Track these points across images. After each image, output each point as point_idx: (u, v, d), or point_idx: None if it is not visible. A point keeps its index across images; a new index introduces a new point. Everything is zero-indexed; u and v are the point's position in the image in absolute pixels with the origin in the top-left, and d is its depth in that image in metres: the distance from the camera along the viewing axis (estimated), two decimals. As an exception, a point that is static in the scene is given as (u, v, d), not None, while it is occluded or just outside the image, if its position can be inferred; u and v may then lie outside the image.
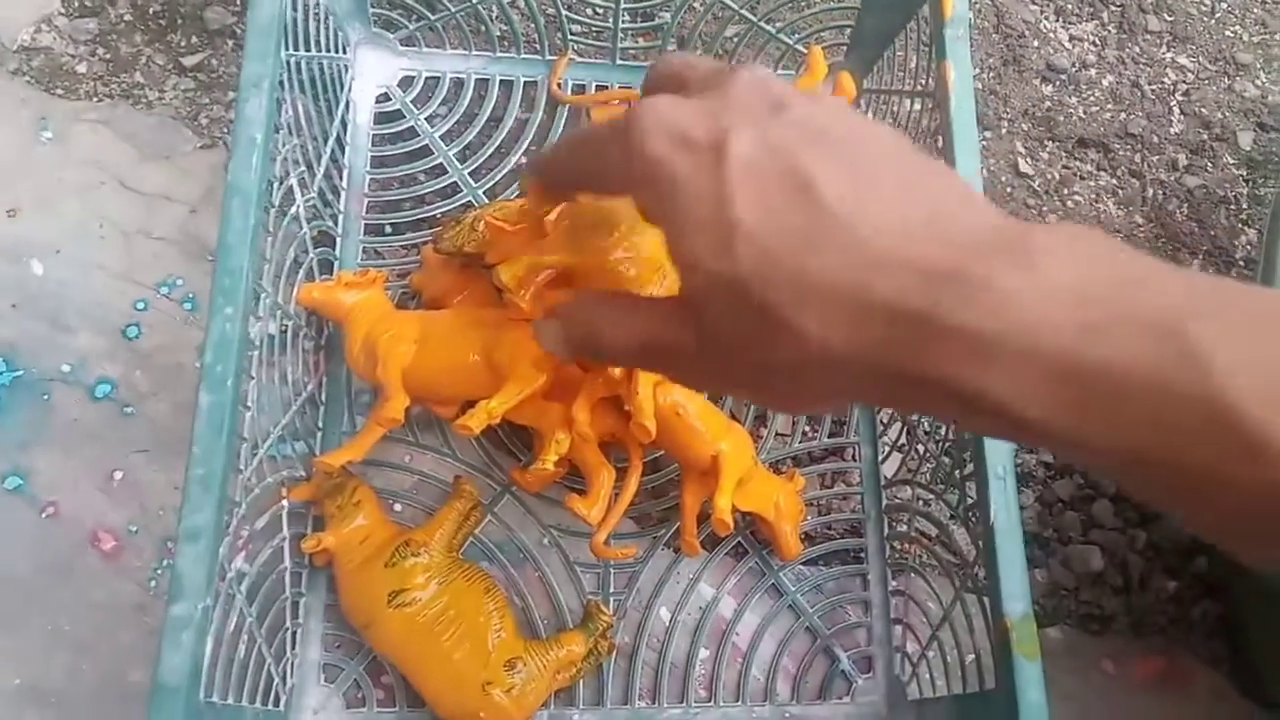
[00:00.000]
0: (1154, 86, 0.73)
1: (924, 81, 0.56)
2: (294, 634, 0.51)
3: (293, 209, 0.52)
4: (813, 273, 0.24)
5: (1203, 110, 0.73)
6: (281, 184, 0.50)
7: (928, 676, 0.53)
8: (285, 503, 0.50)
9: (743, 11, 0.63)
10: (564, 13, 0.63)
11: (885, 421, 0.60)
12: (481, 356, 0.49)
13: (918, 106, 0.56)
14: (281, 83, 0.51)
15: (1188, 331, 0.21)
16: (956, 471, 0.50)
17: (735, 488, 0.50)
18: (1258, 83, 0.74)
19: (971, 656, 0.49)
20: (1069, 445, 0.23)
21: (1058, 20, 0.74)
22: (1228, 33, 0.75)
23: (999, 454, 0.47)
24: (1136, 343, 0.21)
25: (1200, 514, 0.23)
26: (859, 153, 0.26)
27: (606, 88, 0.64)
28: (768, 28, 0.64)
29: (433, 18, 0.63)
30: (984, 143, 0.69)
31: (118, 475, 0.55)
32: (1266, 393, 0.20)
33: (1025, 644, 0.46)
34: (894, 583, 0.57)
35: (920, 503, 0.56)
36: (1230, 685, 0.59)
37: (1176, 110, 0.73)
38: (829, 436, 0.60)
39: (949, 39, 0.54)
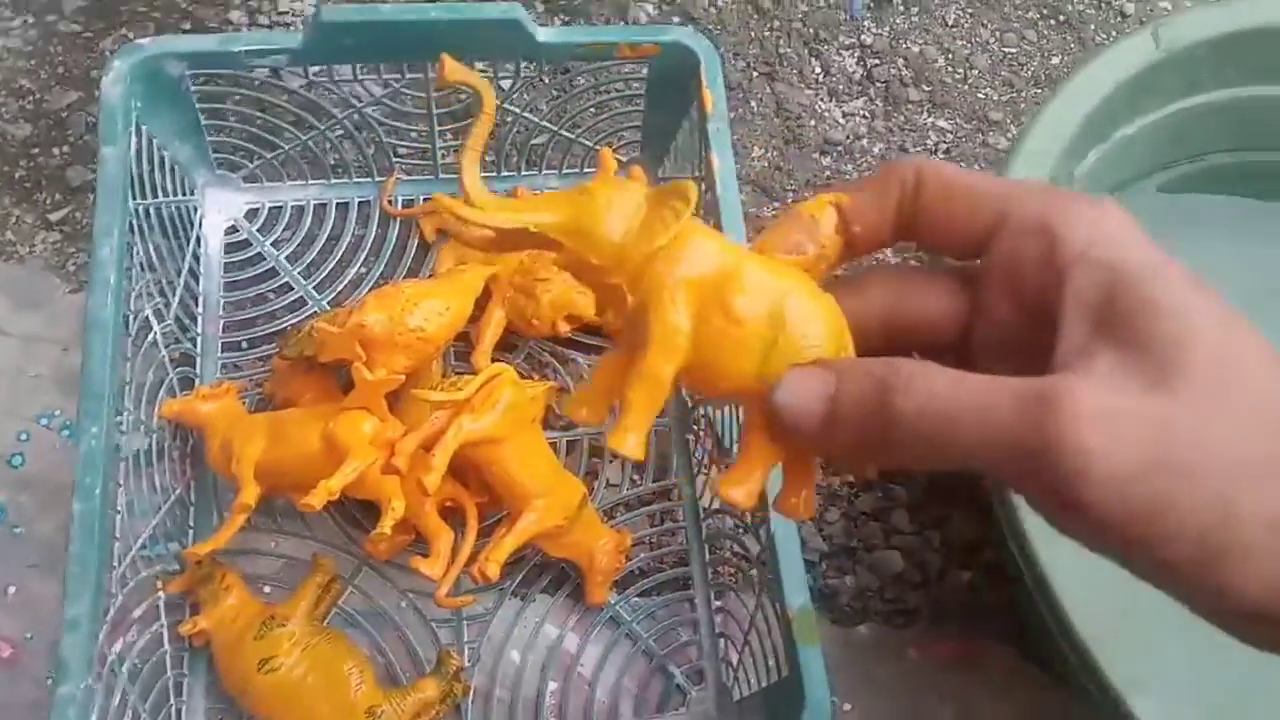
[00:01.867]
0: (919, 148, 0.84)
1: (700, 169, 0.66)
2: (178, 710, 0.57)
3: (150, 336, 0.60)
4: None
5: (962, 164, 0.84)
6: (138, 316, 0.58)
7: (744, 678, 0.60)
8: (161, 594, 0.57)
9: (544, 124, 0.73)
10: (387, 140, 0.72)
11: (699, 459, 0.68)
12: (324, 443, 0.57)
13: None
14: (132, 228, 0.59)
15: None
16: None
17: (546, 539, 0.59)
18: (1008, 136, 0.85)
19: (773, 655, 0.57)
20: None
21: (831, 100, 0.85)
22: (980, 95, 0.87)
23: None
24: None
25: None
26: None
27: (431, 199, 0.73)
28: (569, 135, 0.74)
29: (269, 156, 0.71)
30: (773, 212, 0.79)
31: (11, 590, 0.61)
32: None
33: (805, 632, 0.54)
34: (717, 602, 0.65)
35: (740, 530, 0.64)
36: (1022, 660, 0.67)
37: (941, 167, 0.83)
38: (654, 481, 0.68)
39: (712, 132, 0.65)
